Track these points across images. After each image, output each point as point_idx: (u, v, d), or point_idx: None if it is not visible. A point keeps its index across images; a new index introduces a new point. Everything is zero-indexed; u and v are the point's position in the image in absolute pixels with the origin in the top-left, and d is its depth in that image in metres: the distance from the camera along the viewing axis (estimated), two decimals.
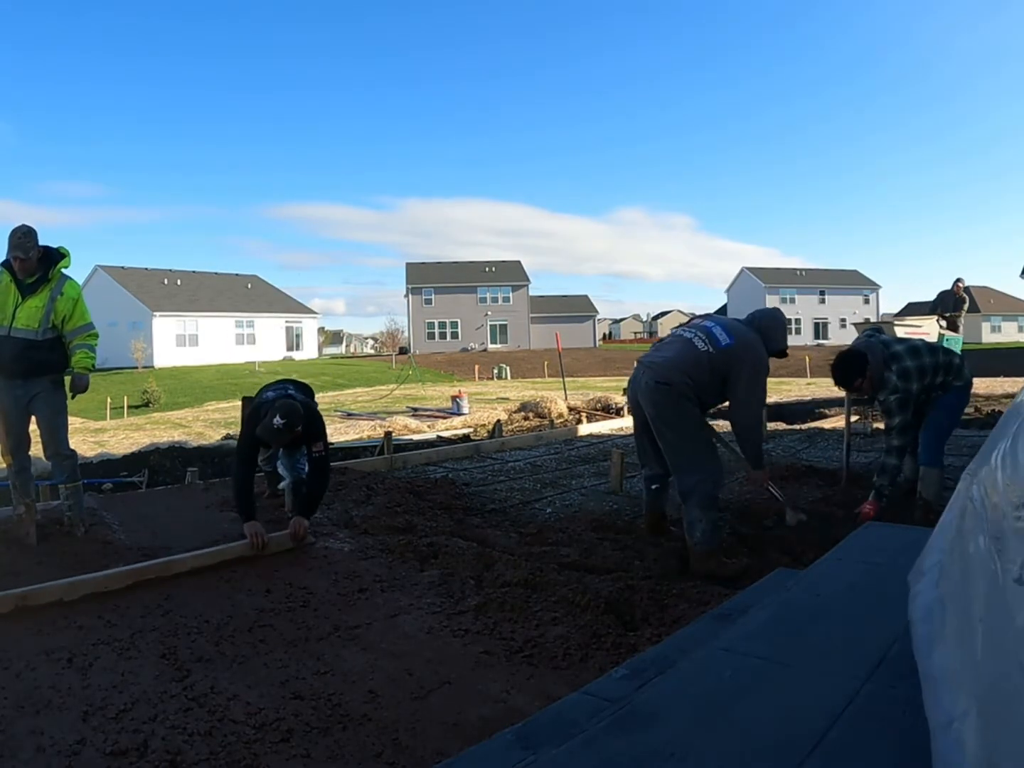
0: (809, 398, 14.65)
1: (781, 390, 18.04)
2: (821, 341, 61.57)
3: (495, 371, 36.80)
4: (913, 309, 69.90)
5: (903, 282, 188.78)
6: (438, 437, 10.25)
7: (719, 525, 3.76)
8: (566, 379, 15.92)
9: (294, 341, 50.13)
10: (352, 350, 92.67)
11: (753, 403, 3.86)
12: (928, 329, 9.35)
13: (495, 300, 57.22)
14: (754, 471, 4.06)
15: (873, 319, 65.76)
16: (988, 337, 61.28)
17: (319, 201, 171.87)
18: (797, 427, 9.68)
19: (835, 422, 9.98)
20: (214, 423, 16.98)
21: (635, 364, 4.10)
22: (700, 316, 4.15)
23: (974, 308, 61.67)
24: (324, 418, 4.50)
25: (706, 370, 3.74)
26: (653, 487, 4.17)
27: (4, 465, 4.33)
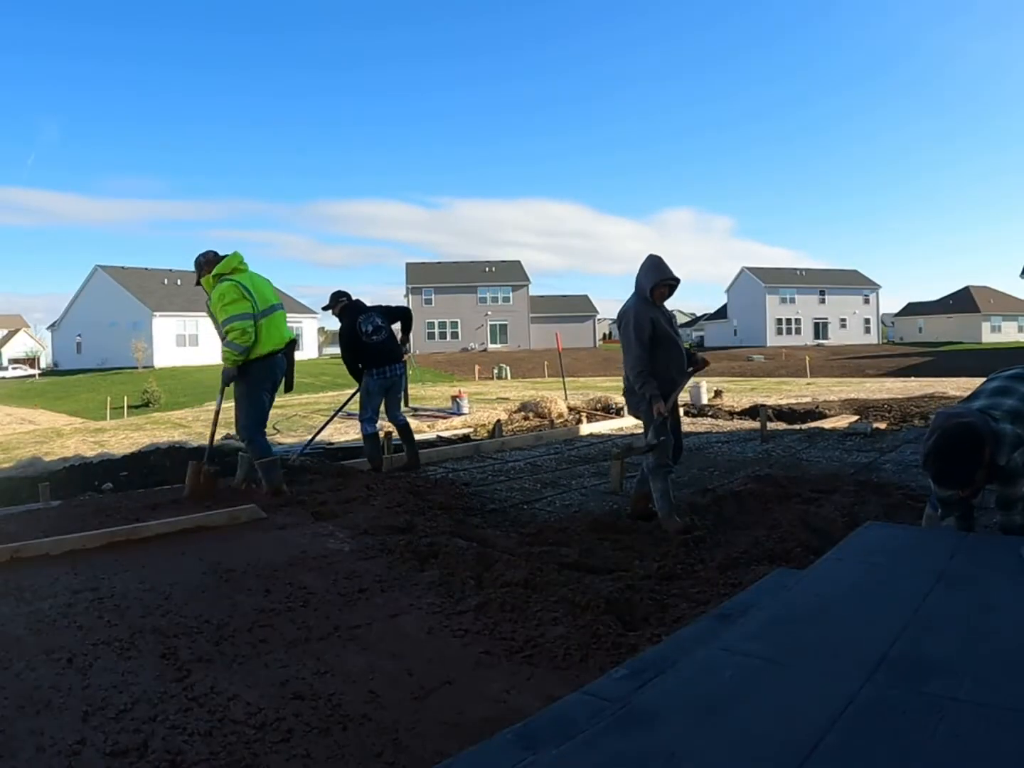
0: (808, 398, 14.63)
1: (782, 390, 18.04)
2: (821, 341, 61.63)
3: (495, 371, 36.84)
4: (913, 309, 70.12)
5: (903, 282, 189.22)
6: (438, 437, 10.22)
7: None
8: (566, 379, 15.91)
9: None
10: None
11: None
12: None
13: (495, 300, 57.25)
14: None
15: (873, 319, 65.90)
16: (988, 337, 61.28)
17: (376, 197, 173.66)
18: (797, 427, 9.66)
19: (835, 422, 9.97)
20: None
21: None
22: None
23: (975, 308, 61.77)
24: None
25: None
26: None
27: None
